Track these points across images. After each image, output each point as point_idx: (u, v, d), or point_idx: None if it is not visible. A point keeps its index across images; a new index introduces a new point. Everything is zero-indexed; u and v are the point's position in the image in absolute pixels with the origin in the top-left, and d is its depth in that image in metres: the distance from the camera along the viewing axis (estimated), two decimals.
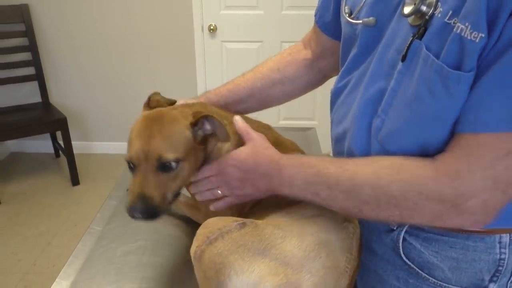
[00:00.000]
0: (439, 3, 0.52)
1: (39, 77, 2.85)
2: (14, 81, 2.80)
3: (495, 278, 0.63)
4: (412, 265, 0.66)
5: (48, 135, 3.09)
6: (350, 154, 0.67)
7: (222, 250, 0.58)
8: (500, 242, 0.61)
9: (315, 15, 0.86)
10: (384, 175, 0.55)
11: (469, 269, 0.63)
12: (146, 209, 0.65)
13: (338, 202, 0.60)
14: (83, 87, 3.03)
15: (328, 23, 0.83)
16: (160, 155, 0.65)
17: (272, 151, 0.70)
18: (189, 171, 0.72)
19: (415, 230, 0.65)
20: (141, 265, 0.79)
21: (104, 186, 2.73)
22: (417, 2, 0.53)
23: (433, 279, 0.64)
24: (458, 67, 0.49)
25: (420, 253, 0.65)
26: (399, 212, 0.55)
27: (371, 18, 0.63)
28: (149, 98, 0.79)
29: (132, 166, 0.68)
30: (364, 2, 0.65)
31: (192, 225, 0.88)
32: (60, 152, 3.06)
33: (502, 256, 0.62)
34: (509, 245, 0.61)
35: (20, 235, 2.31)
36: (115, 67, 2.96)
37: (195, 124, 0.70)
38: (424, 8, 0.52)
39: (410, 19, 0.55)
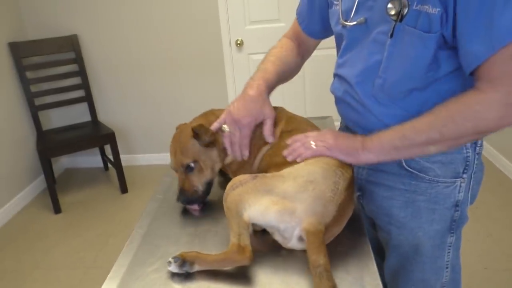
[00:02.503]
0: (409, 2, 0.80)
1: (88, 99, 3.19)
2: (66, 103, 3.15)
3: (465, 171, 0.92)
4: (414, 171, 0.92)
5: (97, 152, 3.42)
6: (362, 104, 0.93)
7: (240, 192, 0.83)
8: (465, 145, 0.90)
9: (301, 23, 1.16)
10: (456, 114, 0.77)
11: (450, 166, 0.91)
12: (185, 199, 1.01)
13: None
14: (126, 106, 3.35)
15: (315, 30, 1.14)
16: (181, 162, 1.00)
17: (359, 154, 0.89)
18: (210, 164, 1.02)
19: None
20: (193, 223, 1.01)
21: (149, 192, 3.00)
22: (396, 6, 0.80)
23: (428, 177, 0.92)
24: (429, 31, 0.78)
25: (418, 162, 0.92)
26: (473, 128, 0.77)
27: (361, 18, 0.89)
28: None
29: (175, 170, 1.05)
30: (355, 9, 0.91)
31: None
32: (109, 164, 3.37)
33: (468, 155, 0.91)
34: (471, 147, 0.91)
35: (80, 237, 2.61)
36: (153, 85, 3.27)
37: (195, 136, 1.01)
38: (405, 10, 0.80)
39: (391, 14, 0.82)
